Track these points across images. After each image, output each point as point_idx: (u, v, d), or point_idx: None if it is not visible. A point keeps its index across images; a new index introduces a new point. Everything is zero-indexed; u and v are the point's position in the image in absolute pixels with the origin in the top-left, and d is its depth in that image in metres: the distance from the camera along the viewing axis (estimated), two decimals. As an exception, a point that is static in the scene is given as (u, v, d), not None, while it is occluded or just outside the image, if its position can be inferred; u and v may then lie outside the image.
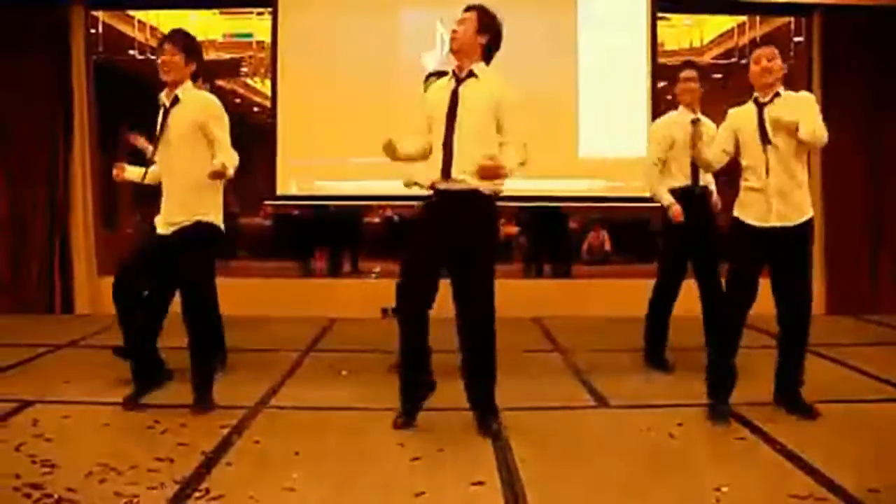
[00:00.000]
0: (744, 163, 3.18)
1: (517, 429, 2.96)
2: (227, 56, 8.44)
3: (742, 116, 3.17)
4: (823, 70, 5.81)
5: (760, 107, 3.10)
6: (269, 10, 5.73)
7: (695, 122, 3.79)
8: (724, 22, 7.28)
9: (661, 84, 6.00)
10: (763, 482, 2.48)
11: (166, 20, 7.37)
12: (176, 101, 3.15)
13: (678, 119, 3.91)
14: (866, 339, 4.76)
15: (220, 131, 3.17)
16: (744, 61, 6.57)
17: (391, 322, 5.43)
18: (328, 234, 7.44)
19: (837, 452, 2.71)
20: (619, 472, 2.55)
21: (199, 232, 3.18)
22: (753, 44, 6.62)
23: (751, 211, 3.11)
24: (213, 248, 3.35)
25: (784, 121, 2.98)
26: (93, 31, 5.99)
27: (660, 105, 5.77)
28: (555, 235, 7.34)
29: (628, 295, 5.58)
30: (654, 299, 4.00)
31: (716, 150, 3.27)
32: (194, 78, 3.22)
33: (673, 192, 3.89)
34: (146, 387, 3.28)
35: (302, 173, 5.70)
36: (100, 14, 6.13)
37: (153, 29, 7.05)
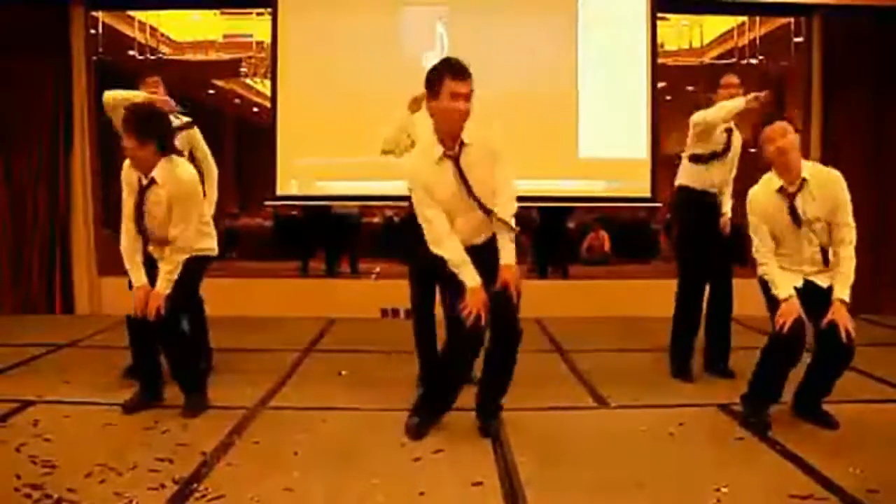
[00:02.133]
0: (777, 248, 3.03)
1: (517, 429, 2.96)
2: (226, 56, 8.45)
3: (767, 208, 3.01)
4: (824, 70, 5.81)
5: (790, 197, 2.97)
6: (269, 10, 5.73)
7: (728, 131, 3.77)
8: (725, 22, 7.27)
9: (660, 84, 6.01)
10: (763, 482, 2.47)
11: (166, 20, 7.40)
12: (152, 182, 3.10)
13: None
14: (867, 340, 4.73)
15: (185, 212, 3.13)
16: (744, 62, 6.67)
17: (391, 322, 5.50)
18: (328, 235, 7.44)
19: (837, 453, 2.71)
20: (619, 473, 2.55)
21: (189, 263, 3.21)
22: (753, 44, 6.63)
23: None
24: (202, 269, 3.38)
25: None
26: (93, 31, 5.99)
27: (659, 106, 5.79)
28: (555, 236, 7.35)
29: (629, 296, 5.63)
30: (676, 309, 3.87)
31: (769, 245, 3.01)
32: (162, 147, 3.11)
33: (686, 190, 3.83)
34: (149, 394, 3.25)
35: (302, 173, 5.70)
36: (100, 14, 6.13)
37: (153, 29, 7.05)
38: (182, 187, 3.12)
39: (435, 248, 2.82)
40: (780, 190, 2.99)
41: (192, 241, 3.21)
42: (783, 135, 2.96)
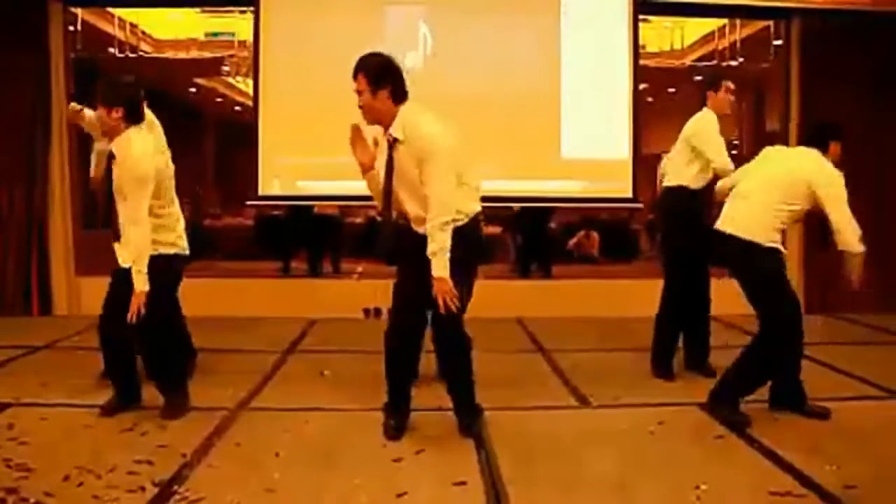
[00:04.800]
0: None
1: (499, 429, 2.97)
2: (208, 55, 8.37)
3: None
4: (802, 72, 5.91)
5: None
6: (252, 8, 5.69)
7: None
8: (706, 25, 7.33)
9: (642, 86, 6.04)
10: (742, 480, 2.51)
11: (147, 18, 7.31)
12: (111, 155, 2.97)
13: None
14: (842, 338, 4.83)
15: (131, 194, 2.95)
16: (725, 64, 6.73)
17: (373, 322, 5.49)
18: (310, 235, 7.40)
19: (815, 450, 2.75)
20: (600, 472, 2.57)
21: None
22: (734, 47, 6.70)
23: None
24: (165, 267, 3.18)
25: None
26: (71, 28, 5.91)
27: (641, 107, 5.83)
28: (537, 236, 7.37)
29: (610, 296, 5.65)
30: (661, 307, 3.90)
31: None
32: (132, 119, 2.99)
33: (676, 190, 3.86)
34: (126, 397, 3.20)
35: (284, 173, 5.67)
36: (78, 11, 6.05)
37: (133, 27, 6.97)
38: (128, 162, 2.91)
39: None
40: None
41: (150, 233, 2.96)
42: None
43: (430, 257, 2.70)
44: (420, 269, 2.74)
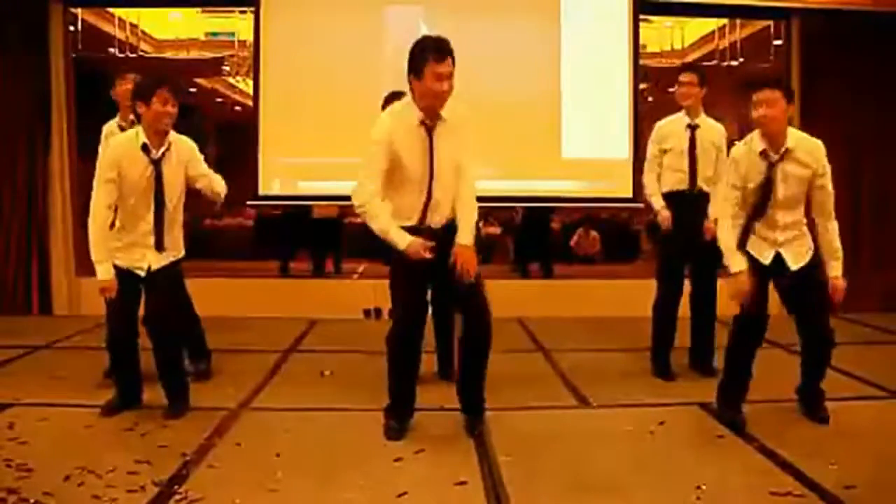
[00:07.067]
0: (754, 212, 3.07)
1: (499, 429, 2.97)
2: (208, 55, 8.39)
3: (749, 166, 3.01)
4: (802, 72, 5.91)
5: (771, 166, 2.97)
6: (252, 8, 5.69)
7: (692, 127, 3.84)
8: (706, 25, 7.34)
9: (642, 86, 6.04)
10: (743, 480, 2.50)
11: (147, 18, 7.31)
12: (168, 148, 3.11)
13: (677, 121, 3.92)
14: (844, 338, 4.79)
15: (203, 167, 3.26)
16: (725, 63, 6.73)
17: (373, 322, 5.49)
18: (310, 235, 7.41)
19: (816, 450, 2.75)
20: (601, 472, 2.57)
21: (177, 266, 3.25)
22: (734, 46, 6.71)
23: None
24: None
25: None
26: (71, 28, 5.91)
27: (642, 106, 5.83)
28: (538, 236, 7.37)
29: (611, 295, 5.65)
30: (654, 306, 3.92)
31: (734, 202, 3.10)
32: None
33: (665, 195, 3.88)
34: (127, 399, 3.20)
35: (285, 173, 5.66)
36: (79, 11, 6.05)
37: (133, 27, 6.97)
38: (193, 147, 3.21)
39: (358, 201, 2.77)
40: (763, 154, 2.99)
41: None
42: (771, 104, 2.91)
43: (466, 225, 2.75)
44: (426, 266, 2.75)
